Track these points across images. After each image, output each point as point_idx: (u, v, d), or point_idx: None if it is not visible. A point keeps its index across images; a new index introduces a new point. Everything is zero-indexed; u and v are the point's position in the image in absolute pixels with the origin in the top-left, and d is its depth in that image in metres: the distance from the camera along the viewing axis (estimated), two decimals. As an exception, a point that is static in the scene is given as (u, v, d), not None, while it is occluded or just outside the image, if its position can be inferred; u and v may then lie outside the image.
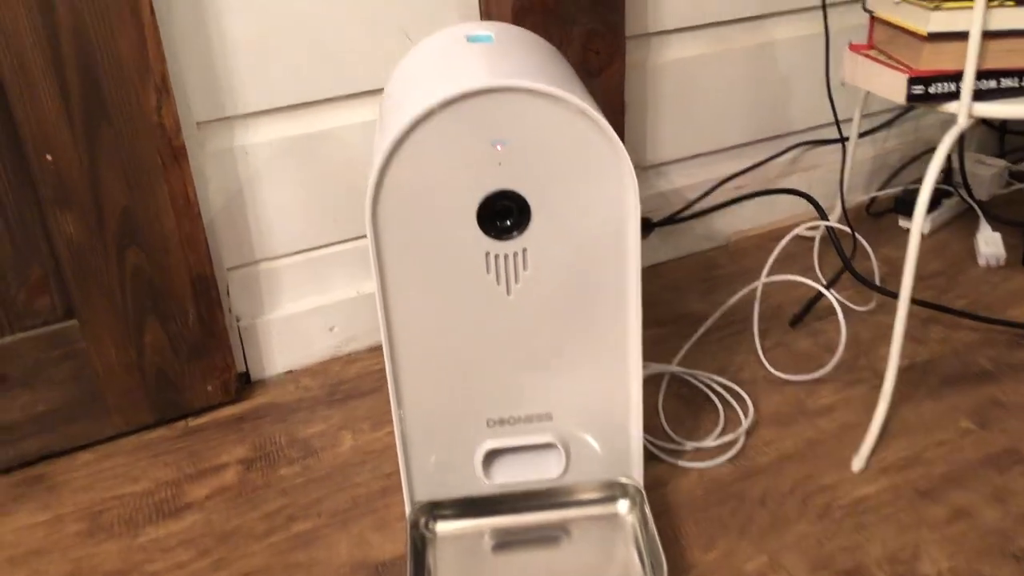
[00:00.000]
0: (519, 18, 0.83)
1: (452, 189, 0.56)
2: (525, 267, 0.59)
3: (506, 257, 0.59)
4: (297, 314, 0.90)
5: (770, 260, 0.86)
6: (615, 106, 0.91)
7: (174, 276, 0.79)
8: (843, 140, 1.00)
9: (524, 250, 0.58)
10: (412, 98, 0.56)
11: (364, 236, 0.91)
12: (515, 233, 0.58)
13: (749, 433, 0.77)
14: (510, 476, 0.64)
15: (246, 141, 0.83)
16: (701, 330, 0.89)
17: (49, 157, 0.71)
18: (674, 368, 0.85)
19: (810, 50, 1.05)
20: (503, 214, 0.58)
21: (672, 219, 1.04)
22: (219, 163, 0.82)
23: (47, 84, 0.69)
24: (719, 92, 1.02)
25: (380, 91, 0.86)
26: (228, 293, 0.86)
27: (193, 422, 0.85)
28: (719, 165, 1.07)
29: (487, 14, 0.86)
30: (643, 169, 1.02)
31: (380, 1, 0.82)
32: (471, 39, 0.63)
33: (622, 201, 0.57)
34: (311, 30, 0.81)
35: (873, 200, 1.14)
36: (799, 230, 0.91)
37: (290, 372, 0.91)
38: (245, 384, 0.90)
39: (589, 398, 0.63)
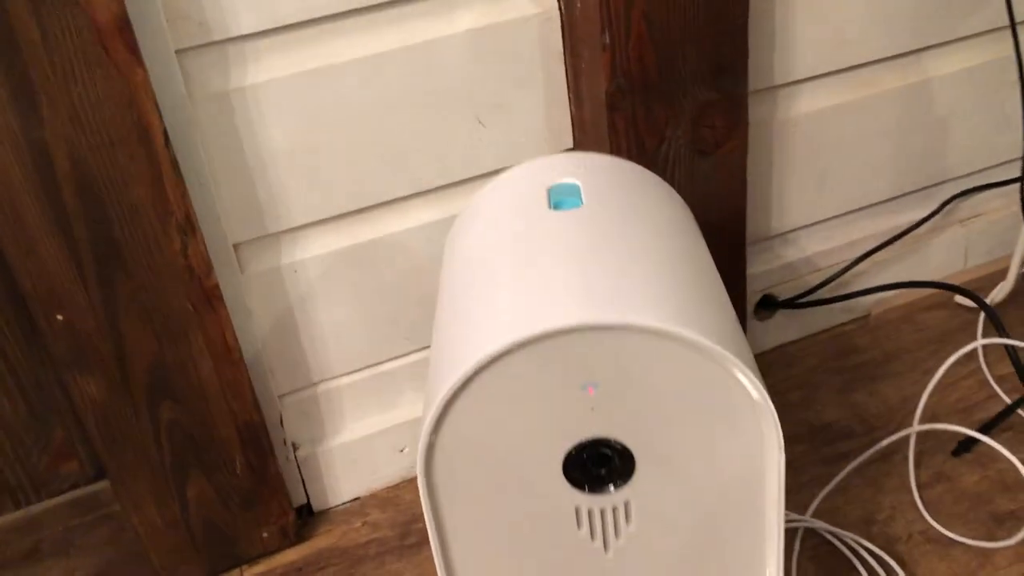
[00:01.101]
0: (614, 101, 0.67)
1: (530, 439, 0.42)
2: (628, 522, 0.45)
3: (603, 511, 0.45)
4: (362, 437, 0.78)
5: (926, 393, 0.69)
6: (734, 188, 0.75)
7: (217, 426, 0.68)
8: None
9: (627, 503, 0.44)
10: (473, 322, 0.42)
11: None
12: (613, 486, 0.44)
13: (908, 631, 0.63)
14: None
15: (294, 258, 0.70)
16: (841, 475, 0.73)
17: (60, 317, 0.60)
18: (809, 522, 0.70)
19: (977, 83, 0.86)
20: (598, 460, 0.44)
21: (799, 301, 0.87)
22: (263, 285, 0.70)
23: (51, 241, 0.58)
24: (859, 145, 0.84)
25: (449, 187, 0.72)
26: (282, 423, 0.75)
27: (248, 572, 0.75)
28: (858, 224, 0.89)
29: (576, 94, 0.71)
30: (768, 239, 0.86)
31: (448, 86, 0.68)
32: (554, 200, 0.48)
33: (759, 455, 0.43)
34: (365, 127, 0.67)
35: (1049, 260, 0.95)
36: (963, 352, 0.74)
37: (356, 500, 0.80)
38: (307, 517, 0.79)
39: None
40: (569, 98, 0.72)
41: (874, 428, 0.79)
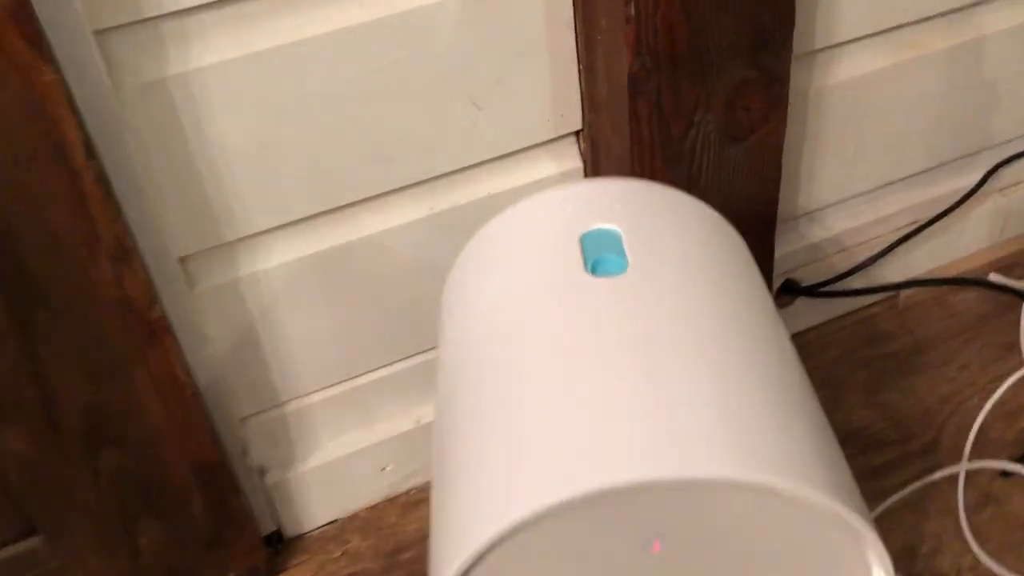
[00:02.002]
0: (638, 83, 0.56)
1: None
2: (688, 671, 0.36)
3: (658, 662, 0.36)
4: (339, 457, 0.69)
5: (975, 425, 0.61)
6: (767, 177, 0.65)
7: (169, 469, 0.58)
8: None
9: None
10: (497, 460, 0.32)
11: (417, 354, 0.68)
12: (675, 639, 0.35)
13: None
14: None
15: (255, 268, 0.59)
16: (885, 505, 0.66)
17: (-33, 365, 0.49)
18: (849, 560, 0.62)
19: (1031, 40, 0.75)
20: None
21: (823, 290, 0.78)
22: (218, 301, 0.59)
23: (-56, 278, 0.46)
24: (900, 113, 0.74)
25: (438, 180, 0.61)
26: (246, 450, 0.65)
27: (215, 613, 0.66)
28: (889, 199, 0.80)
29: (588, 69, 0.59)
30: (793, 219, 0.76)
31: (435, 62, 0.56)
32: (591, 258, 0.38)
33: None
34: (336, 113, 0.55)
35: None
36: (1015, 378, 0.65)
37: (334, 523, 0.71)
38: (278, 545, 0.70)
39: None
40: (579, 73, 0.60)
41: (911, 436, 0.71)
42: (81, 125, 0.45)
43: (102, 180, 0.47)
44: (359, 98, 0.55)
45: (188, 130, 0.52)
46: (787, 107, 0.62)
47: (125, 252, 0.49)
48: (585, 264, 0.37)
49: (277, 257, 0.59)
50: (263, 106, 0.53)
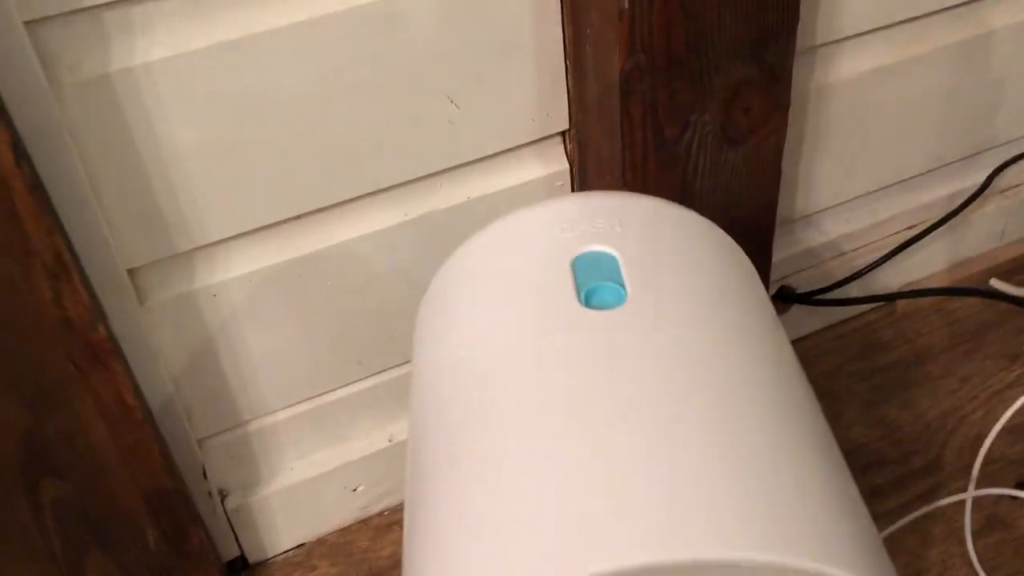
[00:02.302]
0: (631, 83, 0.51)
1: None
2: None
3: None
4: (307, 479, 0.64)
5: (981, 452, 0.58)
6: (765, 182, 0.60)
7: (119, 499, 0.54)
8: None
9: None
10: (481, 538, 0.27)
11: (389, 369, 0.63)
12: None
13: None
14: None
15: (212, 280, 0.54)
16: (888, 532, 0.62)
17: None
18: (850, 591, 0.59)
19: (1040, 35, 0.71)
20: None
21: (819, 298, 0.74)
22: (171, 316, 0.54)
23: None
24: (902, 111, 0.70)
25: (412, 184, 0.56)
26: (205, 474, 0.61)
27: (172, 648, 0.61)
28: (887, 202, 0.76)
29: (576, 66, 0.55)
30: (789, 223, 0.72)
31: (410, 56, 0.51)
32: (584, 287, 0.33)
33: None
34: (301, 112, 0.50)
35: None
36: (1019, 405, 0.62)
37: (302, 547, 0.67)
38: (242, 572, 0.65)
39: None
40: (566, 69, 0.56)
41: (912, 453, 0.68)
42: (9, 126, 0.40)
43: (36, 188, 0.42)
44: (326, 95, 0.50)
45: (136, 131, 0.47)
46: (788, 107, 0.58)
47: (64, 267, 0.44)
48: (577, 294, 0.33)
49: (237, 268, 0.55)
50: (220, 104, 0.48)
